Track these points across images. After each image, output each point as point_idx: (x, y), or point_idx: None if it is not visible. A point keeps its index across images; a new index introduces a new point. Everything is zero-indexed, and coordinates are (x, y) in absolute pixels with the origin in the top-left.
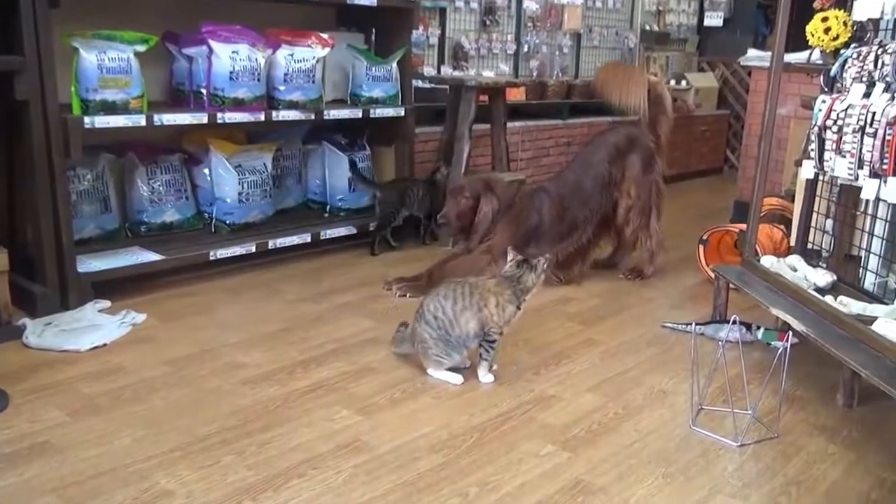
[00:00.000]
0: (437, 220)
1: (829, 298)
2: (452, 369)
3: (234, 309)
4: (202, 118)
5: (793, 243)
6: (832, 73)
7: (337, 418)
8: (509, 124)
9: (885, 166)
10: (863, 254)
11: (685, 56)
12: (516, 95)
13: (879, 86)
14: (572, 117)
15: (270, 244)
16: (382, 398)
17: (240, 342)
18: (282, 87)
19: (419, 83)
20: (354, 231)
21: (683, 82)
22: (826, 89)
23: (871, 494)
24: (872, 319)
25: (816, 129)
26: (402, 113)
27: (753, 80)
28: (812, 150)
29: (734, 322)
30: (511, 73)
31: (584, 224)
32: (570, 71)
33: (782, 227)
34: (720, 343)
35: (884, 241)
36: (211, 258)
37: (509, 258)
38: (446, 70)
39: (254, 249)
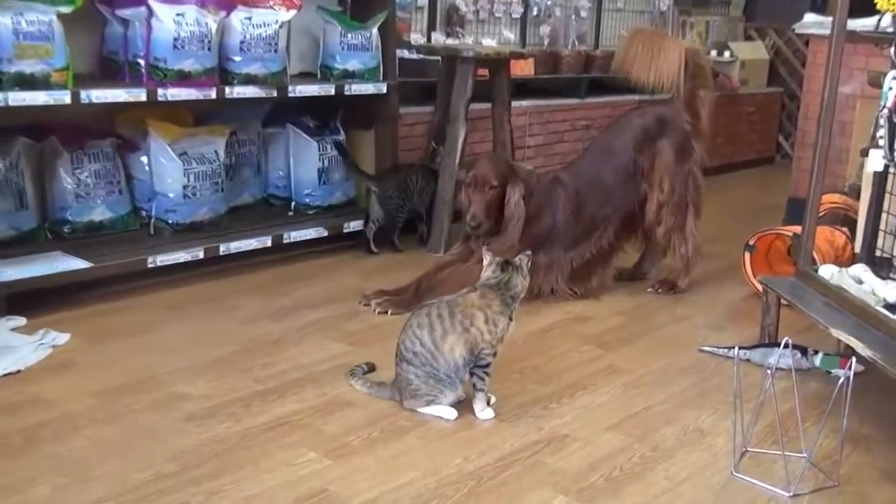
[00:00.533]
0: (468, 223)
1: None
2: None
3: (177, 328)
4: (140, 95)
5: (858, 250)
6: None
7: (302, 462)
8: (514, 104)
9: None
10: None
11: (729, 22)
12: (523, 69)
13: None
14: (591, 95)
15: (222, 249)
16: (357, 438)
17: (184, 369)
18: (237, 58)
19: (405, 53)
20: (325, 233)
21: (726, 53)
22: None
23: None
24: None
25: (886, 111)
26: (384, 89)
27: (811, 51)
28: (881, 136)
29: (786, 346)
30: (517, 41)
31: (603, 224)
32: (588, 39)
33: (845, 229)
34: (769, 371)
35: None
36: (149, 266)
37: (486, 261)
38: (438, 38)
39: (202, 256)
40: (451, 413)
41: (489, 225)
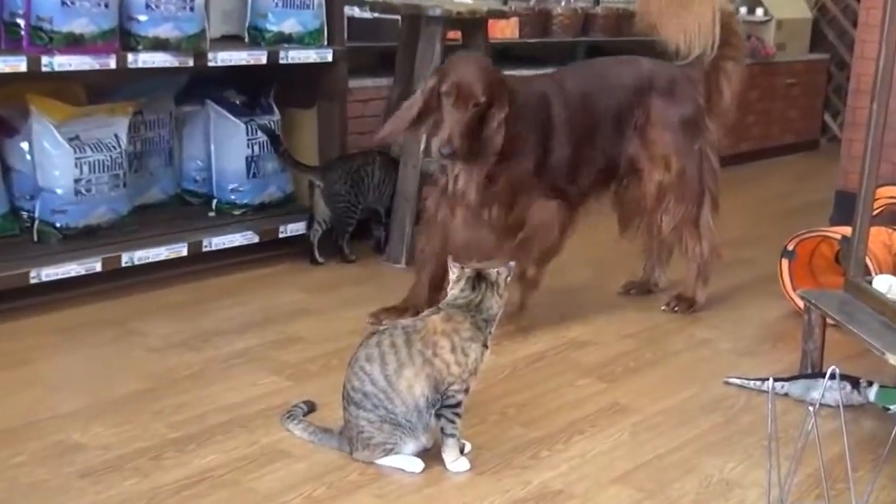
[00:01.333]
0: (438, 148)
1: None
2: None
3: (67, 359)
4: (18, 64)
5: None
6: None
7: None
8: None
9: None
10: None
11: None
12: (505, 31)
13: None
14: None
15: (125, 259)
16: (297, 497)
17: (76, 411)
18: (142, 18)
19: (355, 12)
20: (256, 239)
21: (759, 11)
22: None
23: None
24: None
25: None
26: (330, 57)
27: (864, 7)
28: None
29: (833, 376)
30: None
31: (586, 169)
32: None
33: None
34: (812, 408)
35: None
36: (33, 281)
37: (453, 275)
38: None
39: (99, 268)
40: (416, 465)
41: (465, 152)
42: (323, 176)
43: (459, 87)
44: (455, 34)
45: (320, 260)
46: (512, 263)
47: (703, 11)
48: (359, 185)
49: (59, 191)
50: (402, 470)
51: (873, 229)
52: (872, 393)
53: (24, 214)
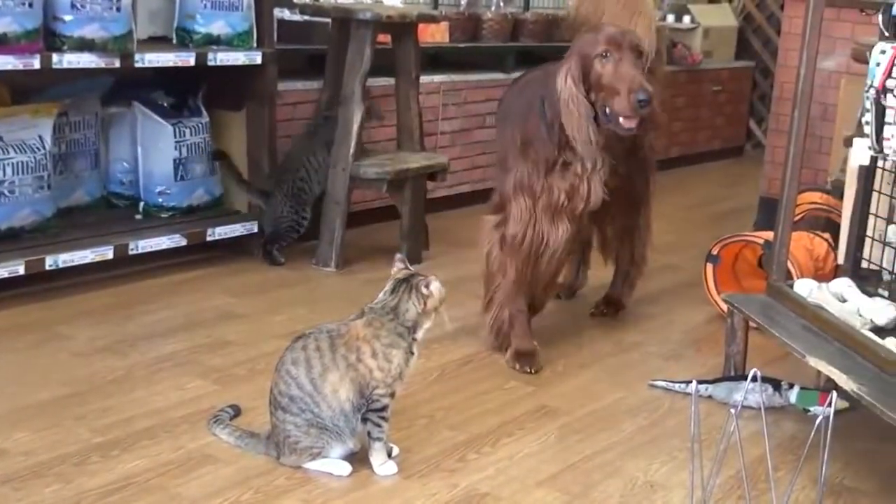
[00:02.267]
0: (638, 99)
1: (891, 342)
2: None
3: None
4: None
5: (841, 261)
6: (895, 10)
7: None
8: (424, 78)
9: None
10: None
11: None
12: (435, 35)
13: None
14: (520, 69)
15: (49, 263)
16: (223, 502)
17: None
18: (68, 18)
19: (285, 14)
20: (184, 242)
21: (686, 19)
22: (887, 34)
23: None
24: None
25: (873, 91)
26: (259, 59)
27: (787, 16)
28: (867, 122)
29: (755, 379)
30: (428, 0)
31: None
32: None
33: (827, 235)
34: (734, 410)
35: None
36: None
37: (394, 269)
38: None
39: (22, 271)
40: (343, 468)
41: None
42: (266, 201)
43: (614, 39)
44: (385, 38)
45: (281, 260)
46: (433, 278)
47: (643, 21)
48: (300, 197)
49: None
50: (330, 474)
51: (795, 234)
52: (793, 395)
53: None
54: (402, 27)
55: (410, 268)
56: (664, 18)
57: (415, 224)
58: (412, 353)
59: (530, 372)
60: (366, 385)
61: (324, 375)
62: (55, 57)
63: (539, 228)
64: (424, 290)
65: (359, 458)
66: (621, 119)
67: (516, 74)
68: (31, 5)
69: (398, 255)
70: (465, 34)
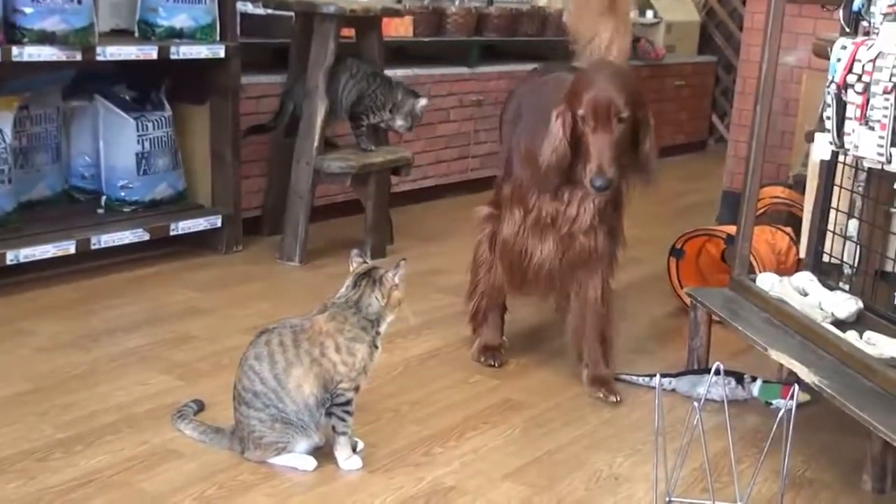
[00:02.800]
0: (594, 184)
1: (852, 335)
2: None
3: None
4: None
5: (803, 254)
6: (856, 6)
7: None
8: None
9: None
10: None
11: None
12: (399, 29)
13: None
14: (484, 64)
15: (10, 258)
16: (187, 497)
17: None
18: (28, 10)
19: (248, 7)
20: (147, 237)
21: (649, 14)
22: (848, 29)
23: None
24: None
25: (834, 87)
26: (222, 53)
27: (749, 12)
28: (828, 117)
29: (718, 372)
30: None
31: None
32: None
33: (789, 230)
34: (697, 403)
35: None
36: None
37: (351, 268)
38: None
39: None
40: (309, 463)
41: (617, 178)
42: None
43: (593, 106)
44: (349, 32)
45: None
46: (403, 263)
47: (620, 23)
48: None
49: None
50: (295, 468)
51: (757, 228)
52: (756, 388)
53: None
54: (366, 21)
55: (369, 261)
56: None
57: (379, 218)
58: (376, 348)
59: (494, 365)
60: (330, 379)
61: (287, 371)
62: (15, 50)
63: (526, 241)
64: (390, 280)
65: (324, 453)
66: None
67: (481, 70)
68: None
69: (354, 251)
70: (429, 28)
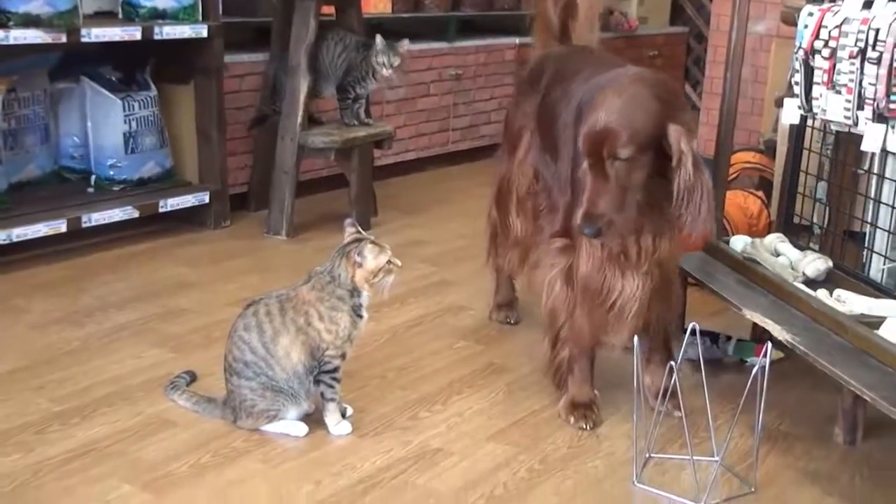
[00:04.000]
0: (581, 230)
1: (822, 293)
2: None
3: None
4: None
5: (774, 217)
6: None
7: (114, 498)
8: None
9: (892, 105)
10: (867, 230)
11: None
12: (378, 6)
13: None
14: (462, 38)
15: (2, 237)
16: (182, 465)
17: None
18: None
19: None
20: (136, 214)
21: None
22: None
23: None
24: (880, 321)
25: (802, 53)
26: (205, 33)
27: None
28: (797, 83)
29: (693, 332)
30: None
31: None
32: None
33: (761, 193)
34: (674, 362)
35: (894, 212)
36: None
37: (346, 234)
38: None
39: None
40: (300, 429)
41: (624, 220)
42: None
43: (590, 139)
44: (329, 9)
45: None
46: (364, 243)
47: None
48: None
49: None
50: (287, 435)
51: (730, 193)
52: (731, 347)
53: None
54: None
55: (362, 232)
56: None
57: (363, 191)
58: (360, 317)
59: (585, 428)
60: (316, 347)
61: (275, 339)
62: (1, 33)
63: (607, 277)
64: (357, 258)
65: (314, 420)
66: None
67: (459, 44)
68: None
69: (348, 220)
70: (407, 4)
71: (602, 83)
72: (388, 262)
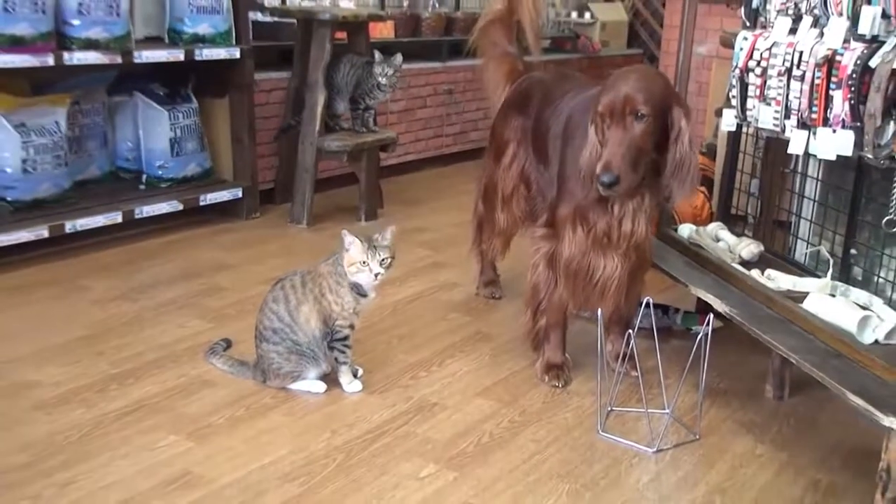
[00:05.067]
0: (599, 180)
1: (755, 273)
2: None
3: (20, 313)
4: None
5: (715, 208)
6: (755, 4)
7: (162, 446)
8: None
9: (814, 115)
10: (793, 219)
11: None
12: (383, 32)
13: (806, 20)
14: (453, 59)
15: (68, 227)
16: (220, 418)
17: (30, 355)
18: (76, 22)
19: (258, 16)
20: (180, 207)
21: (587, 15)
22: (748, 24)
23: (805, 499)
24: (803, 296)
25: (738, 71)
26: (238, 54)
27: (668, 12)
28: (733, 96)
29: (647, 305)
30: (376, 3)
31: None
32: (449, 1)
33: (703, 189)
34: (631, 331)
35: (815, 204)
36: None
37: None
38: None
39: (46, 234)
40: (320, 386)
41: (633, 179)
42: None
43: (613, 102)
44: (342, 34)
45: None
46: (364, 237)
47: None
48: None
49: (8, 170)
50: (309, 392)
51: None
52: (679, 318)
53: None
54: (356, 25)
55: (353, 237)
56: (569, 15)
57: (371, 187)
58: (362, 295)
59: (558, 386)
60: (328, 316)
61: (298, 308)
62: (66, 55)
63: (590, 259)
64: (346, 245)
65: (331, 379)
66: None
67: (451, 64)
68: (44, 11)
69: (344, 231)
70: (408, 30)
71: (588, 97)
72: (363, 262)
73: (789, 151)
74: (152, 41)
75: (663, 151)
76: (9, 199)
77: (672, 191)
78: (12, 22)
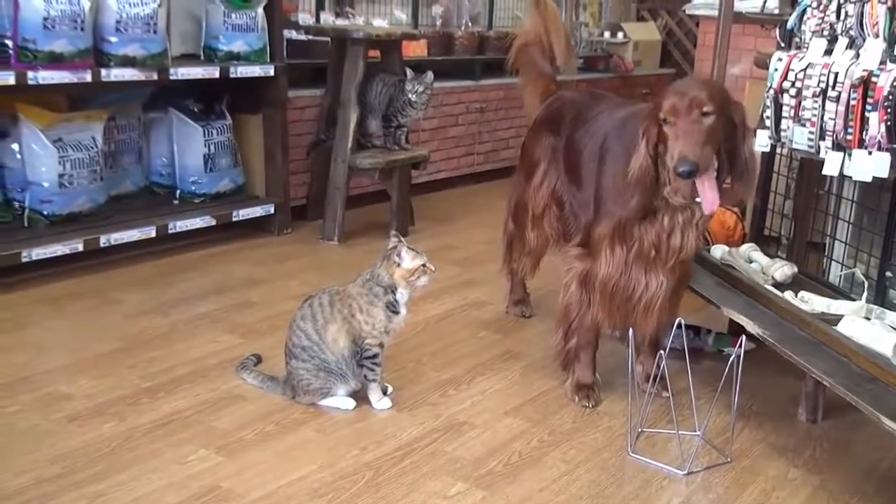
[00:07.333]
0: (678, 170)
1: (788, 294)
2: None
3: (55, 325)
4: (8, 78)
5: (748, 229)
6: (789, 25)
7: (193, 460)
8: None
9: (849, 136)
10: (827, 241)
11: (621, 2)
12: (416, 50)
13: (842, 41)
14: (486, 77)
15: (103, 241)
16: (250, 433)
17: (63, 367)
18: (113, 39)
19: (292, 34)
20: (213, 222)
21: (620, 34)
22: (783, 45)
23: None
24: (838, 318)
25: (772, 92)
26: (272, 72)
27: (702, 32)
28: (767, 117)
29: (679, 326)
30: (409, 21)
31: None
32: (482, 20)
33: (736, 210)
34: (662, 351)
35: (850, 226)
36: (24, 260)
37: (390, 243)
38: (327, 18)
39: (81, 248)
40: (349, 403)
41: (710, 165)
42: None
43: (678, 102)
44: (375, 52)
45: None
46: (400, 245)
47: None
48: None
49: (45, 184)
50: (338, 408)
51: None
52: (710, 339)
53: (16, 204)
54: (389, 44)
55: (402, 240)
56: (602, 34)
57: (402, 204)
58: (395, 312)
59: (588, 406)
60: (357, 336)
61: (325, 327)
62: (103, 72)
63: (632, 277)
64: (396, 259)
65: (361, 396)
66: (669, 191)
67: (483, 82)
68: (82, 29)
69: (392, 232)
70: (441, 49)
71: (624, 116)
72: (423, 265)
73: (824, 173)
74: (188, 58)
75: (720, 156)
76: (45, 212)
77: (738, 191)
78: (52, 38)
